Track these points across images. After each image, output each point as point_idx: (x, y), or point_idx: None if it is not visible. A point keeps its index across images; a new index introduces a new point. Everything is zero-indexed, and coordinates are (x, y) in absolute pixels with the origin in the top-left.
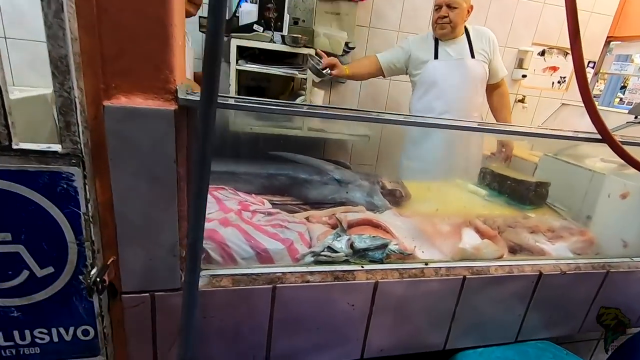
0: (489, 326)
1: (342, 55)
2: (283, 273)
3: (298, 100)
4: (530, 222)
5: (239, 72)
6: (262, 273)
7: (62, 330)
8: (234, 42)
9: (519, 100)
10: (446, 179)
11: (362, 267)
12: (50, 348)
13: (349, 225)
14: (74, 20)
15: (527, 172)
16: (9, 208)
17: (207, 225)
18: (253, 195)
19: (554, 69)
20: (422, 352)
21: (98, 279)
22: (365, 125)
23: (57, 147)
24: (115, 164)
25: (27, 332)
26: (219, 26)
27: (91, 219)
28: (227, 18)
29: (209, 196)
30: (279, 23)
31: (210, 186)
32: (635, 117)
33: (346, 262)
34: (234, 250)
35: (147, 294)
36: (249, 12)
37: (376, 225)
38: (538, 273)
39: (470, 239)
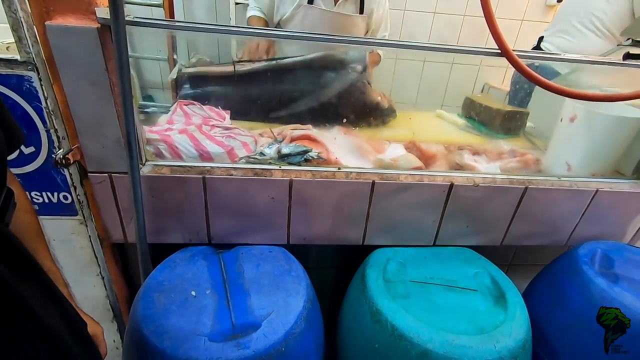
0: (406, 229)
1: None
2: (211, 167)
3: None
4: (480, 147)
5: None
6: (194, 166)
7: (49, 194)
8: None
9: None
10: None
11: (280, 167)
12: (44, 206)
13: (291, 140)
14: None
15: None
16: None
17: (166, 132)
18: (218, 110)
19: None
20: (346, 245)
21: (62, 157)
22: None
23: (17, 57)
24: (63, 71)
25: (28, 194)
26: None
27: (52, 112)
28: None
29: (178, 109)
30: None
31: (182, 101)
32: (627, 39)
33: (270, 164)
34: (181, 151)
35: (106, 174)
36: None
37: (313, 140)
38: (449, 183)
39: (393, 152)
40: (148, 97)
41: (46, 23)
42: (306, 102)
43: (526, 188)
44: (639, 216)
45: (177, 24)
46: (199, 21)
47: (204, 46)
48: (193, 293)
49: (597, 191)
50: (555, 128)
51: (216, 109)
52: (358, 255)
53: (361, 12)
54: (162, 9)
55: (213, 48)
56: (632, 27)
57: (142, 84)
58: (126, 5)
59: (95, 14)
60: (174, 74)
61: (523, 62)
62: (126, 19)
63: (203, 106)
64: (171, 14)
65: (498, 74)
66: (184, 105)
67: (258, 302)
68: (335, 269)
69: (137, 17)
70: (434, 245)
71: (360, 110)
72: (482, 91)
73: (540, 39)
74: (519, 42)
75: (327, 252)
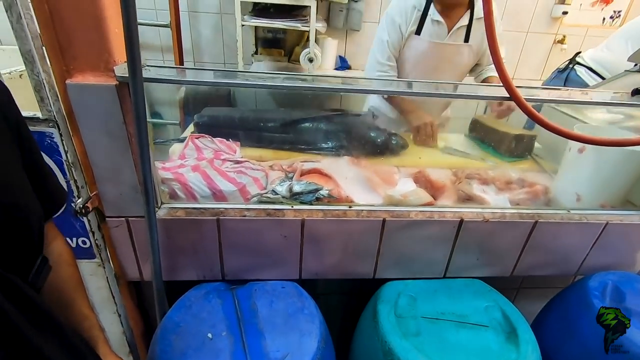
0: (416, 262)
1: (356, 1)
2: (225, 209)
3: (302, 55)
4: (489, 175)
5: (256, 26)
6: (208, 207)
7: (68, 239)
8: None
9: (558, 41)
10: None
11: (292, 207)
12: None
13: (301, 174)
14: (32, 23)
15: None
16: None
17: (179, 170)
18: (229, 142)
19: (606, 1)
20: (357, 279)
21: (82, 207)
22: None
23: (39, 114)
24: (82, 125)
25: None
26: (131, 23)
27: (72, 165)
28: None
29: (190, 144)
30: None
31: (193, 134)
32: (635, 65)
33: (282, 203)
34: (195, 191)
35: (123, 219)
36: None
37: (323, 174)
38: (459, 219)
39: (403, 187)
40: (156, 114)
41: (67, 82)
42: (316, 130)
43: (536, 222)
44: None
45: (194, 79)
46: (205, 40)
47: (210, 56)
48: (209, 335)
49: (607, 224)
50: (564, 157)
51: (227, 142)
52: (368, 282)
53: (466, 40)
54: (169, 29)
55: (219, 66)
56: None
57: (151, 101)
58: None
59: (113, 71)
60: (181, 93)
61: (531, 106)
62: (144, 75)
63: (214, 139)
64: (178, 35)
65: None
66: (196, 138)
67: (272, 344)
68: (345, 295)
69: (151, 65)
70: (444, 277)
71: (370, 145)
72: (484, 111)
73: (577, 53)
74: (525, 53)
75: (337, 281)
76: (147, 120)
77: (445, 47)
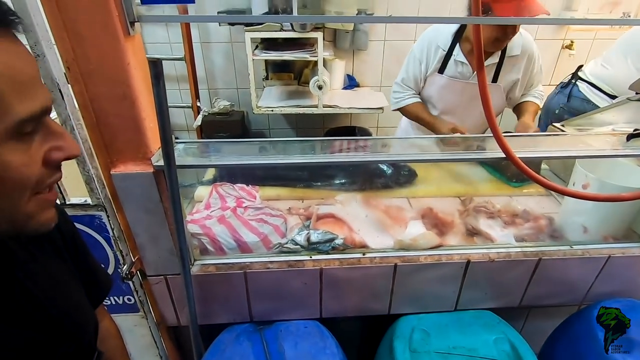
0: (428, 298)
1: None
2: (250, 262)
3: (311, 82)
4: (495, 207)
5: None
6: (235, 262)
7: (116, 298)
8: (247, 35)
9: (566, 47)
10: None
11: (311, 257)
12: (112, 307)
13: (317, 218)
14: (82, 130)
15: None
16: None
17: (207, 222)
18: (249, 188)
19: (615, 4)
20: (372, 315)
21: (127, 272)
22: (378, 97)
23: (89, 201)
24: (125, 205)
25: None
26: (166, 124)
27: (117, 239)
28: (241, 11)
29: (214, 193)
30: (288, 9)
31: (216, 184)
32: (636, 93)
33: (302, 252)
34: (222, 243)
35: (162, 277)
36: (259, 3)
37: (337, 219)
38: (466, 261)
39: (413, 230)
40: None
41: (111, 172)
42: (329, 167)
43: (539, 259)
44: None
45: (215, 162)
46: (217, 68)
47: (223, 83)
48: None
49: (609, 257)
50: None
51: (247, 188)
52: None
53: (494, 80)
54: (184, 62)
55: (232, 91)
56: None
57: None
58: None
59: (150, 159)
60: (198, 121)
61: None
62: (177, 164)
63: (235, 186)
64: (192, 66)
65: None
66: (218, 187)
67: None
68: (364, 328)
69: (179, 142)
70: (456, 309)
71: (381, 177)
72: None
73: (579, 67)
74: None
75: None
76: None
77: (468, 86)
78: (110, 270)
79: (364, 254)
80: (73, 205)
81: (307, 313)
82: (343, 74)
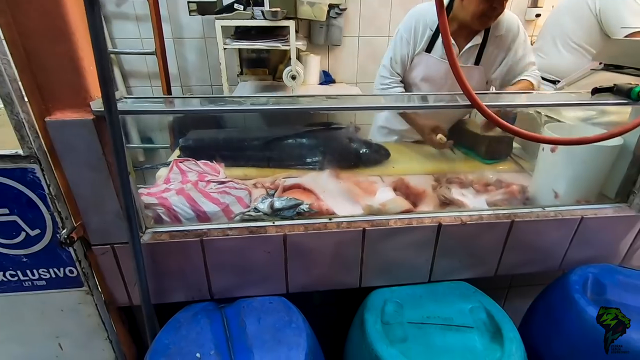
0: (400, 269)
1: (334, 17)
2: (208, 229)
3: (285, 73)
4: (468, 178)
5: (239, 48)
6: (191, 230)
7: (55, 269)
8: (218, 23)
9: (533, 44)
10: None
11: (273, 223)
12: (51, 281)
13: (283, 189)
14: (9, 68)
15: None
16: (4, 192)
17: (164, 194)
18: (213, 164)
19: None
20: (344, 289)
21: (66, 237)
22: (354, 92)
23: (20, 152)
24: (63, 159)
25: (35, 271)
26: (104, 61)
27: (55, 197)
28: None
29: (175, 168)
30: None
31: (177, 159)
32: (600, 64)
33: (264, 220)
34: (179, 213)
35: (108, 246)
36: None
37: (304, 189)
38: (437, 224)
39: (382, 196)
40: (147, 140)
41: (46, 119)
42: (299, 146)
43: (512, 221)
44: (627, 237)
45: (160, 108)
46: (191, 65)
47: (197, 80)
48: (198, 355)
49: (582, 218)
50: (539, 157)
51: (211, 164)
52: (360, 290)
53: (477, 62)
54: (155, 56)
55: (206, 88)
56: (603, 51)
57: (142, 127)
58: (120, 55)
59: (90, 106)
60: (170, 117)
61: (492, 112)
62: (119, 108)
63: (198, 162)
64: (164, 61)
65: None
66: (180, 162)
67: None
68: (339, 306)
69: (128, 98)
70: (430, 281)
71: (353, 157)
72: (470, 115)
73: None
74: None
75: (328, 291)
76: (139, 146)
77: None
78: (47, 236)
79: (330, 219)
80: (1, 157)
81: (272, 288)
82: (318, 69)
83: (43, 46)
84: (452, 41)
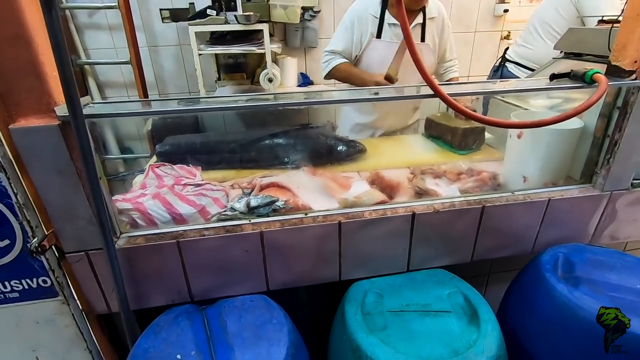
0: (379, 260)
1: (309, 20)
2: (184, 230)
3: (261, 76)
4: (441, 169)
5: (216, 54)
6: (167, 232)
7: (28, 280)
8: (191, 29)
9: (505, 37)
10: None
11: (249, 221)
12: (24, 292)
13: (260, 188)
14: None
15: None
16: None
17: (140, 199)
18: (189, 167)
19: None
20: (325, 283)
21: (37, 246)
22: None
23: None
24: (30, 166)
25: (6, 283)
26: (65, 65)
27: (23, 206)
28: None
29: (150, 173)
30: (232, 3)
31: (153, 165)
32: (561, 52)
33: (240, 218)
34: (154, 217)
35: (82, 253)
36: None
37: (281, 187)
38: (411, 213)
39: (357, 189)
40: (127, 150)
41: (10, 127)
42: (276, 146)
43: (483, 207)
44: (594, 216)
45: (128, 110)
46: (167, 73)
47: (174, 88)
48: (178, 357)
49: (549, 200)
50: (507, 144)
51: (187, 167)
52: (341, 285)
53: (422, 39)
54: (130, 65)
55: (184, 96)
56: (564, 40)
57: (120, 137)
58: (95, 66)
59: (55, 112)
60: (148, 126)
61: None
62: (84, 112)
63: (174, 166)
64: (140, 70)
65: None
66: (156, 167)
67: (242, 356)
68: (322, 304)
69: (95, 103)
70: (408, 270)
71: (330, 154)
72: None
73: (506, 49)
74: (475, 51)
75: (311, 287)
76: (118, 157)
77: (403, 47)
78: (17, 246)
79: (306, 214)
80: None
81: (253, 286)
82: (296, 71)
83: (2, 53)
84: (397, 22)
